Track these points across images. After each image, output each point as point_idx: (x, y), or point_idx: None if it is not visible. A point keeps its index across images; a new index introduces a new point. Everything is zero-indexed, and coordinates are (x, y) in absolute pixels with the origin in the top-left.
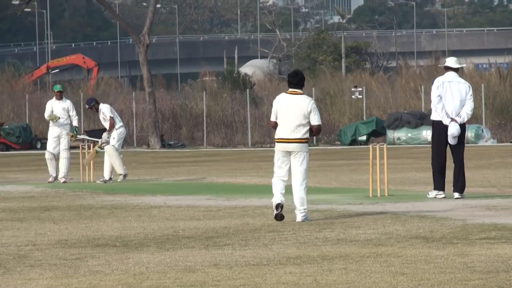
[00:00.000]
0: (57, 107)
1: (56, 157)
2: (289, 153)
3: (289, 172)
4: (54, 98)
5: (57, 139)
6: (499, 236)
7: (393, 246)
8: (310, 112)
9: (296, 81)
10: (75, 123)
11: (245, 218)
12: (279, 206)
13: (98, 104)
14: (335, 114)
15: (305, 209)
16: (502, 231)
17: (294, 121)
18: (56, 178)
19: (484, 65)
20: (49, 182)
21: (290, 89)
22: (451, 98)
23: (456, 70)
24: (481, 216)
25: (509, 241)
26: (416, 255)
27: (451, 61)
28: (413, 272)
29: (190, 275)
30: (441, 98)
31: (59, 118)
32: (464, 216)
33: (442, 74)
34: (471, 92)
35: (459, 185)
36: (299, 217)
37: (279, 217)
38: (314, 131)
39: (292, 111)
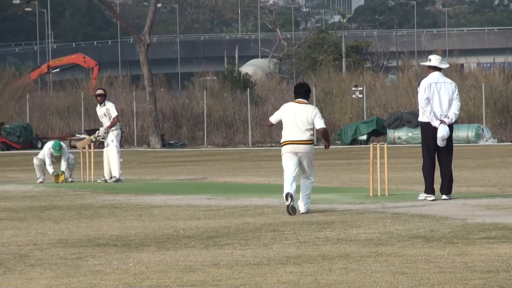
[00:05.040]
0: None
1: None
2: (296, 153)
3: (298, 170)
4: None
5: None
6: (499, 236)
7: (394, 246)
8: (314, 117)
9: (301, 92)
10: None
11: (246, 218)
12: (288, 195)
13: (106, 98)
14: (335, 114)
15: (308, 197)
16: (502, 231)
17: (301, 126)
18: (43, 180)
19: (488, 65)
20: (39, 182)
21: (297, 99)
22: (438, 99)
23: (440, 69)
24: (482, 215)
25: (510, 241)
26: (416, 254)
27: (436, 61)
28: (414, 272)
29: (191, 274)
30: (429, 100)
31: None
32: (464, 216)
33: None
34: (457, 92)
35: (448, 188)
36: (302, 208)
37: (291, 210)
38: (321, 135)
39: (299, 118)
